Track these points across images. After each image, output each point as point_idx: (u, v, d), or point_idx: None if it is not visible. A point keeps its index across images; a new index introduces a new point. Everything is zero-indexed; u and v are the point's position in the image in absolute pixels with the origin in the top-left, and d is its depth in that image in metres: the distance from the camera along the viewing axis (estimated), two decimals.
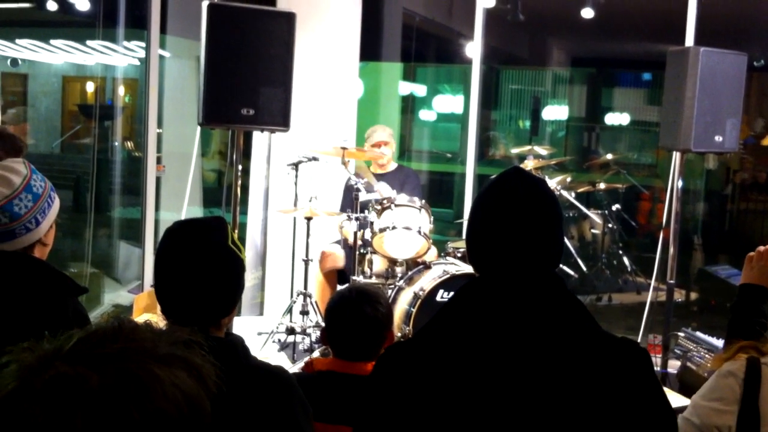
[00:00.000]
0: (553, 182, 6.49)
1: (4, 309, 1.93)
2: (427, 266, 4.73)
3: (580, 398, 1.42)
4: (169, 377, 0.92)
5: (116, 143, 7.78)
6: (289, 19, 4.29)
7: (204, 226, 1.79)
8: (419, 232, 4.71)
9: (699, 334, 4.51)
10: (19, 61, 11.79)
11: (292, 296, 5.26)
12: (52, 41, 10.51)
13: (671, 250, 4.71)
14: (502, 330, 1.48)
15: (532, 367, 1.44)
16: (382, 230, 4.70)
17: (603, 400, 1.42)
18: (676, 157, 4.77)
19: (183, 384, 0.92)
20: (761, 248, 2.26)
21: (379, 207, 4.76)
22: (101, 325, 0.98)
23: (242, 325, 5.32)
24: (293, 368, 4.60)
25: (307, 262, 5.07)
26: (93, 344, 0.93)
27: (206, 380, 0.96)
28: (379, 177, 5.36)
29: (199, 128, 5.43)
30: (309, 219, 4.97)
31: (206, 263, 1.73)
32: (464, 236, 1.77)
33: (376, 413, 1.51)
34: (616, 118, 13.17)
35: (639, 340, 4.89)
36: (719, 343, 4.29)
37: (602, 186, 7.80)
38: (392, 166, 5.58)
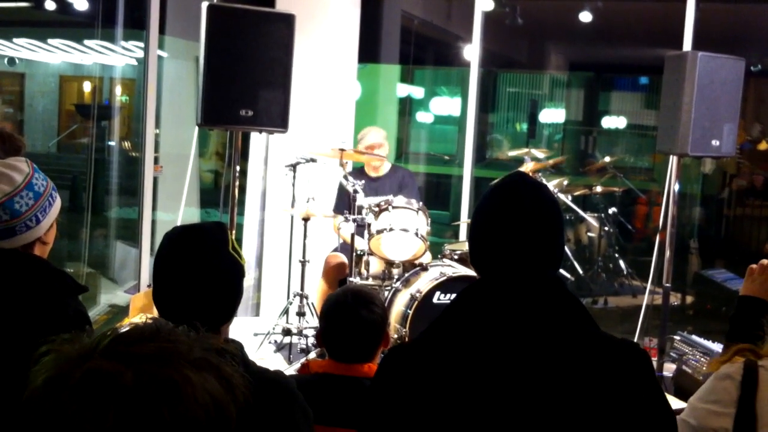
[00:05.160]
0: (550, 185, 6.48)
1: (4, 306, 1.93)
2: (423, 268, 4.73)
3: (581, 400, 1.44)
4: (201, 381, 0.93)
5: (113, 143, 7.77)
6: (288, 20, 4.31)
7: (204, 231, 1.78)
8: (416, 234, 4.71)
9: (695, 337, 4.51)
10: (17, 60, 11.79)
11: (288, 297, 5.26)
12: (49, 41, 10.51)
13: (667, 253, 4.72)
14: (505, 332, 1.50)
15: (534, 368, 1.46)
16: (379, 232, 4.69)
17: (604, 402, 1.44)
18: (673, 161, 4.78)
19: (213, 389, 0.94)
20: (765, 261, 2.21)
21: (376, 209, 4.75)
22: (140, 325, 0.99)
23: (238, 326, 5.31)
24: (289, 370, 4.60)
25: (303, 263, 5.06)
26: (130, 342, 0.94)
27: (235, 389, 0.97)
28: (375, 180, 5.34)
29: (196, 129, 5.43)
30: (306, 220, 4.97)
31: (207, 269, 1.73)
32: (467, 238, 1.79)
33: (380, 415, 1.53)
34: (614, 122, 13.18)
35: None
36: (715, 346, 4.29)
37: (599, 189, 7.78)
38: (386, 167, 5.47)
